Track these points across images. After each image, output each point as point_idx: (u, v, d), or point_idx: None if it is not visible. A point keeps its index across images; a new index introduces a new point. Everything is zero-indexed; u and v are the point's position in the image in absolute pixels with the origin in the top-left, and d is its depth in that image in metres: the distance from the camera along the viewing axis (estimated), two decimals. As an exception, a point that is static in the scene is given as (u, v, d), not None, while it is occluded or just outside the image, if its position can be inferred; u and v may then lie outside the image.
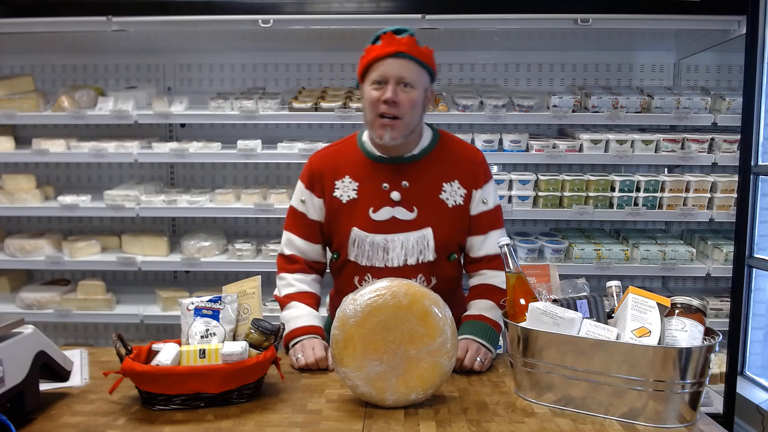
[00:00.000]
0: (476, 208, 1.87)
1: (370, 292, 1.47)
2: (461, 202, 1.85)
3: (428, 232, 1.81)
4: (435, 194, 1.84)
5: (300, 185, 1.93)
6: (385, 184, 1.83)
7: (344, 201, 1.85)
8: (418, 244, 1.81)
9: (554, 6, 2.94)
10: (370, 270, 1.84)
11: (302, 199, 1.91)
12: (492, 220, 1.89)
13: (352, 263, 1.85)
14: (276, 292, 1.95)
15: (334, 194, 1.86)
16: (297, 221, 1.92)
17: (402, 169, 1.84)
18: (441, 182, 1.84)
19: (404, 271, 1.82)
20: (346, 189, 1.85)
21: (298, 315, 1.84)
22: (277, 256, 1.98)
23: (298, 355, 1.75)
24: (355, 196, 1.84)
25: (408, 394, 1.45)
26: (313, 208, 1.90)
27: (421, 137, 1.87)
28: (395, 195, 1.82)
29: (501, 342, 3.21)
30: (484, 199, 1.87)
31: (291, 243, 1.93)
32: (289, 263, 1.94)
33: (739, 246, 2.96)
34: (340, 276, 1.91)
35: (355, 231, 1.81)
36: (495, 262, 1.86)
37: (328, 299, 2.08)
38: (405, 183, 1.83)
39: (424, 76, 1.80)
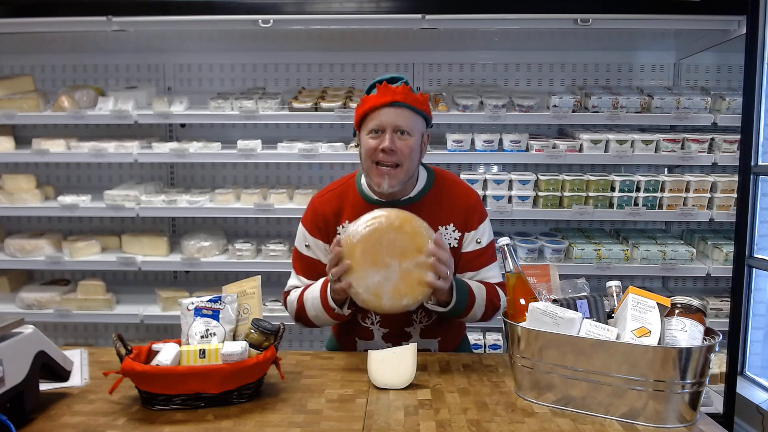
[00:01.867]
0: (468, 247, 1.88)
1: (367, 218, 1.68)
2: (455, 245, 1.87)
3: None
4: None
5: (303, 231, 1.93)
6: None
7: None
8: None
9: (554, 6, 2.94)
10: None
11: (306, 244, 1.92)
12: (485, 258, 1.90)
13: (355, 303, 1.85)
14: (290, 312, 1.94)
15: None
16: (303, 264, 1.94)
17: None
18: (437, 225, 1.85)
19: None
20: None
21: (315, 285, 1.85)
22: (283, 295, 1.99)
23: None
24: None
25: (400, 299, 1.65)
26: (321, 251, 1.91)
27: (417, 180, 1.88)
28: None
29: (501, 342, 3.23)
30: (478, 239, 1.88)
31: (298, 281, 1.95)
32: (289, 291, 1.97)
33: (739, 246, 2.96)
34: None
35: None
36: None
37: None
38: None
39: (420, 122, 1.81)
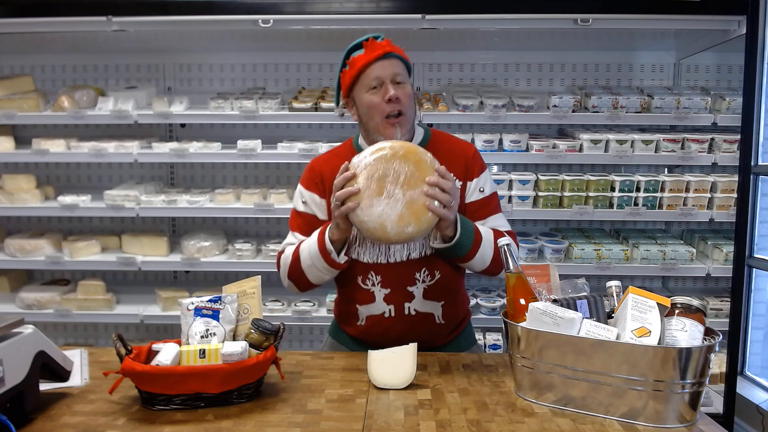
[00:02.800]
0: (472, 196, 1.88)
1: (372, 149, 1.68)
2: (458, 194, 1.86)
3: None
4: None
5: (300, 188, 1.93)
6: None
7: None
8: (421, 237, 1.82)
9: (554, 6, 2.94)
10: (374, 267, 1.84)
11: (303, 200, 1.91)
12: (491, 206, 1.90)
13: (355, 262, 1.85)
14: (283, 270, 1.90)
15: None
16: (300, 221, 1.92)
17: None
18: None
19: (407, 266, 1.82)
20: None
21: (312, 235, 1.81)
22: (277, 256, 1.96)
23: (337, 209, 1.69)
24: None
25: (405, 227, 1.64)
26: (317, 207, 1.90)
27: (413, 136, 1.89)
28: None
29: (501, 342, 3.23)
30: (481, 187, 1.89)
31: (294, 239, 1.92)
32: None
33: (739, 246, 2.96)
34: (344, 276, 1.89)
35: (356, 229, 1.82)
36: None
37: (334, 305, 2.08)
38: None
39: (407, 71, 1.85)
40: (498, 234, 1.82)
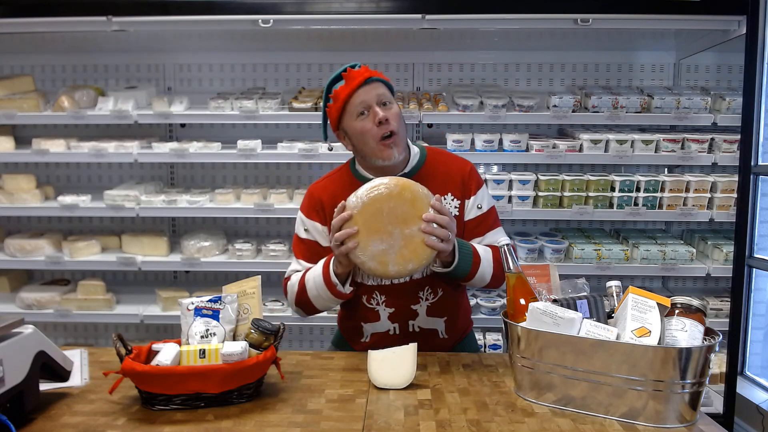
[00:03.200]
0: (470, 214, 1.90)
1: (367, 188, 1.69)
2: (457, 213, 1.88)
3: None
4: None
5: (301, 216, 1.95)
6: None
7: None
8: None
9: (554, 6, 2.94)
10: (378, 288, 1.87)
11: (305, 228, 1.93)
12: (489, 222, 1.91)
13: (360, 284, 1.86)
14: (290, 297, 1.93)
15: None
16: (303, 248, 1.94)
17: None
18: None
19: (411, 285, 1.85)
20: None
21: (317, 265, 1.84)
22: (283, 282, 1.98)
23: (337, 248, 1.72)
24: None
25: (405, 264, 1.67)
26: (318, 234, 1.91)
27: (410, 156, 1.90)
28: None
29: (501, 342, 3.23)
30: (479, 204, 1.90)
31: (299, 265, 1.94)
32: (289, 278, 1.95)
33: (739, 246, 2.96)
34: (349, 299, 1.89)
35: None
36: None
37: (337, 319, 2.09)
38: None
39: (390, 93, 1.86)
40: (496, 253, 1.83)
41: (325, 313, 3.17)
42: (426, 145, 2.01)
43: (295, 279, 1.90)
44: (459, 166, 1.93)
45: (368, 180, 1.86)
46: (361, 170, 1.90)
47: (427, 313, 1.89)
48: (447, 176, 1.89)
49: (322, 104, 1.90)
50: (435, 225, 1.65)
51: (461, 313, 1.99)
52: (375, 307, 1.89)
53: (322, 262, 1.82)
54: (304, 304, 1.88)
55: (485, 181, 3.10)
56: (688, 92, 3.21)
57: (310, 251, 1.92)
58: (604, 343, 1.42)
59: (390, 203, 1.66)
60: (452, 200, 1.88)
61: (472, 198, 1.89)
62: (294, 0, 2.97)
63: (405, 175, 1.86)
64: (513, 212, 3.14)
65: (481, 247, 1.84)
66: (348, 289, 1.78)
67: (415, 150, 1.92)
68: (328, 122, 1.90)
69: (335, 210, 1.70)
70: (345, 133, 1.86)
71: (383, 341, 1.87)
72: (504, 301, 3.13)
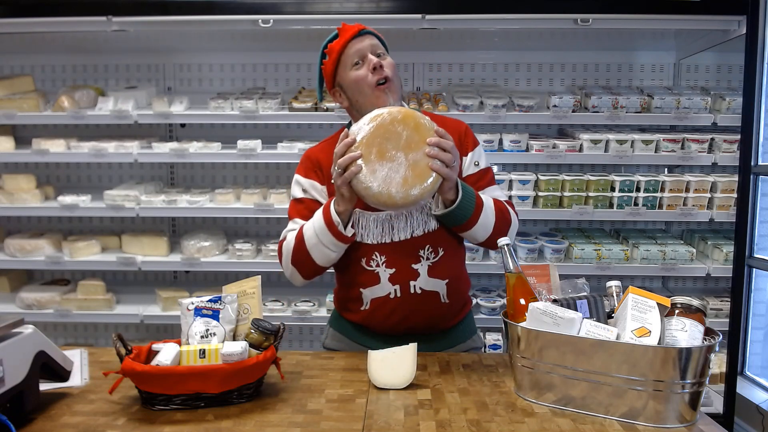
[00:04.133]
0: (468, 170, 1.90)
1: (370, 115, 1.69)
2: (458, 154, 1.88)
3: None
4: None
5: (297, 178, 1.93)
6: None
7: None
8: (422, 214, 1.82)
9: (554, 6, 2.94)
10: (378, 248, 1.82)
11: (302, 189, 1.90)
12: (487, 179, 1.92)
13: (359, 244, 1.83)
14: (285, 257, 1.86)
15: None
16: (300, 206, 1.89)
17: None
18: None
19: (411, 244, 1.81)
20: None
21: (315, 214, 1.79)
22: (278, 244, 1.92)
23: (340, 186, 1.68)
24: None
25: (410, 189, 1.64)
26: (317, 193, 1.89)
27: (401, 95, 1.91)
28: None
29: (501, 342, 3.23)
30: (476, 161, 1.91)
31: (295, 224, 1.88)
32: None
33: (739, 246, 2.96)
34: (347, 260, 1.85)
35: (358, 211, 1.81)
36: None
37: (333, 296, 2.07)
38: None
39: (384, 47, 1.89)
40: (498, 203, 1.84)
41: (324, 313, 3.20)
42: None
43: (291, 237, 1.85)
44: (454, 124, 1.94)
45: None
46: None
47: (429, 273, 1.83)
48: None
49: (317, 64, 1.91)
50: (438, 149, 1.63)
51: (462, 279, 1.95)
52: (375, 269, 1.83)
53: (321, 208, 1.79)
54: (301, 258, 1.81)
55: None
56: (688, 92, 3.21)
57: (308, 209, 1.87)
58: (604, 343, 1.42)
59: (393, 128, 1.66)
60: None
61: (469, 154, 1.90)
62: (294, 0, 2.97)
63: None
64: (513, 212, 3.14)
65: (482, 195, 1.83)
66: (350, 231, 1.74)
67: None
68: (324, 84, 1.92)
69: (339, 137, 1.69)
70: (340, 88, 1.87)
71: (384, 306, 1.83)
72: (504, 301, 3.13)
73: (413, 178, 1.64)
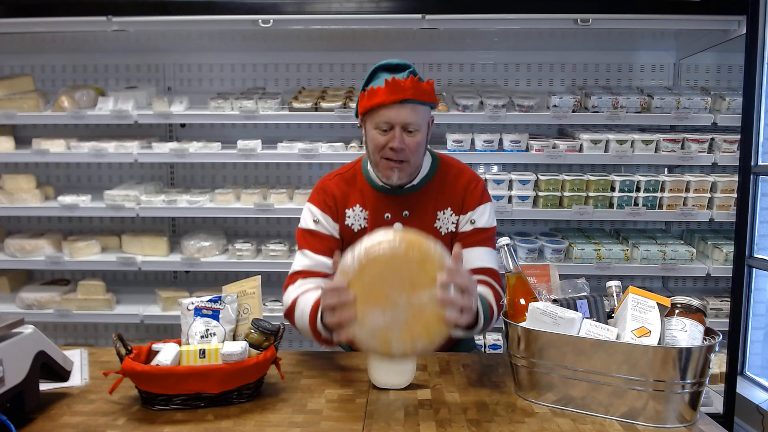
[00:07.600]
0: (462, 228, 1.87)
1: (366, 245, 1.41)
2: (453, 229, 1.87)
3: None
4: (431, 223, 1.86)
5: (310, 207, 1.89)
6: (388, 214, 1.86)
7: (355, 230, 1.87)
8: None
9: (554, 6, 2.94)
10: None
11: (315, 219, 1.87)
12: (479, 237, 1.85)
13: None
14: (284, 306, 1.83)
15: (346, 222, 1.87)
16: (312, 238, 1.86)
17: (403, 199, 1.86)
18: (436, 211, 1.86)
19: None
20: (357, 218, 1.87)
21: (309, 297, 1.69)
22: (286, 280, 1.89)
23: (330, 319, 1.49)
24: (366, 225, 1.86)
25: (413, 343, 1.39)
26: (330, 227, 1.87)
27: (420, 167, 1.86)
28: (397, 225, 1.84)
29: (501, 342, 3.23)
30: (472, 219, 1.86)
31: (305, 257, 1.85)
32: (294, 276, 1.85)
33: (739, 246, 2.96)
34: None
35: None
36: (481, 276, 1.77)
37: None
38: (406, 213, 1.86)
39: (427, 111, 1.79)
40: (495, 294, 1.74)
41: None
42: (441, 153, 1.95)
43: (291, 292, 1.78)
44: (467, 180, 1.88)
45: (376, 186, 1.84)
46: (372, 175, 1.87)
47: None
48: (452, 189, 1.86)
49: (363, 81, 1.81)
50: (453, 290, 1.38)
51: None
52: None
53: (313, 299, 1.64)
54: (298, 328, 1.76)
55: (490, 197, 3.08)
56: (688, 92, 3.21)
57: (320, 242, 1.83)
58: (604, 343, 1.42)
59: (395, 263, 1.37)
60: (451, 215, 1.86)
61: (469, 213, 1.86)
62: (294, 0, 2.97)
63: (412, 188, 1.84)
64: (513, 212, 3.14)
65: (486, 291, 1.72)
66: (336, 338, 1.48)
67: (427, 161, 1.88)
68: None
69: (333, 261, 1.47)
70: (363, 128, 1.83)
71: None
72: (504, 301, 3.13)
73: (418, 329, 1.38)
